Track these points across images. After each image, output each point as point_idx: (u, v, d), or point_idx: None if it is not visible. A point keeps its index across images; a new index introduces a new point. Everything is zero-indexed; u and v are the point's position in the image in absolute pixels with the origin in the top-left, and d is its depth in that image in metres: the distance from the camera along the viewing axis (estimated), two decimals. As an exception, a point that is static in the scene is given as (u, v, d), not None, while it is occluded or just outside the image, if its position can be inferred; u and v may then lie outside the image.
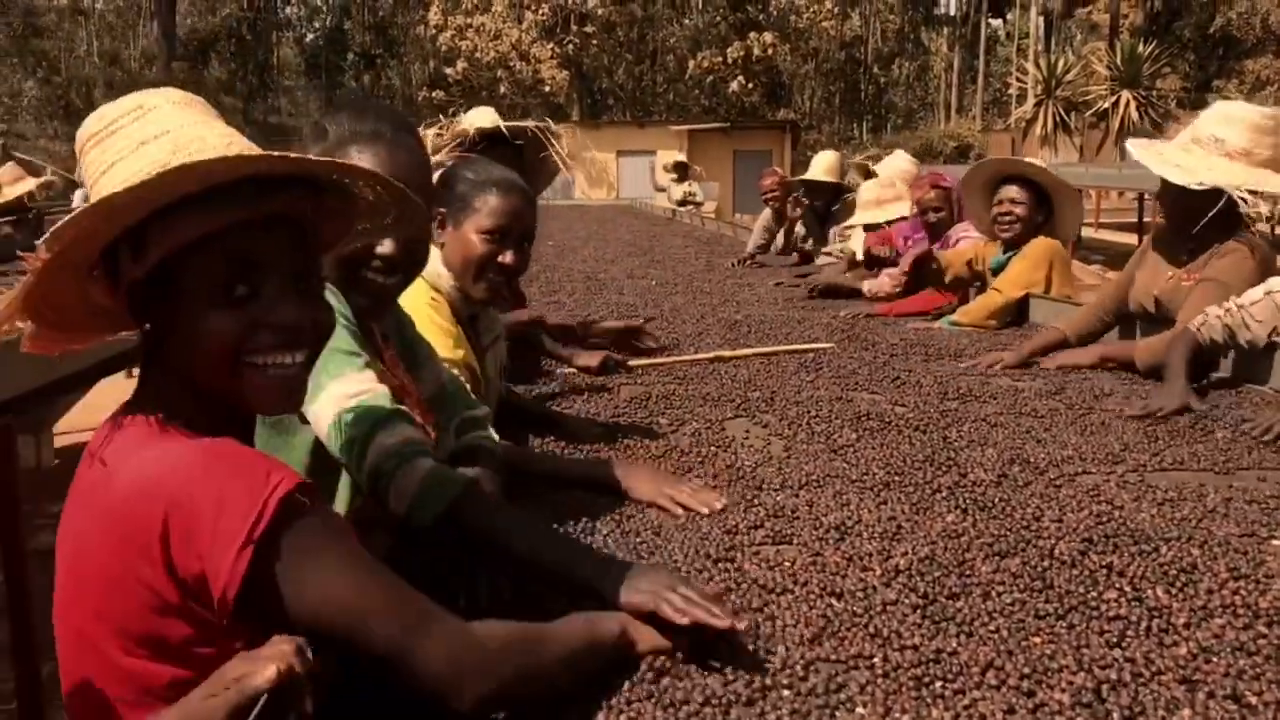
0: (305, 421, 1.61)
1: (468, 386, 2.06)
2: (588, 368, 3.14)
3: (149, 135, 1.14)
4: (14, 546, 2.91)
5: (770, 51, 42.59)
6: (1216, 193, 3.02)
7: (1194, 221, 3.13)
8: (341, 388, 1.57)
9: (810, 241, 6.85)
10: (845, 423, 2.51)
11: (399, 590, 1.13)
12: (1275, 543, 1.71)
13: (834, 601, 1.48)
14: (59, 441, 4.12)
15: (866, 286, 4.94)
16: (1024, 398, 2.80)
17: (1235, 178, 3.04)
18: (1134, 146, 3.36)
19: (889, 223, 5.50)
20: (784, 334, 3.90)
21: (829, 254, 6.35)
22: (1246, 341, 2.84)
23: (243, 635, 1.07)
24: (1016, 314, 4.05)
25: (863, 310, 4.48)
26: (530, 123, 3.77)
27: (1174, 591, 1.49)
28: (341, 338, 1.60)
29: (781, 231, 7.19)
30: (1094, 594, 1.48)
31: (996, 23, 55.65)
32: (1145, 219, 17.86)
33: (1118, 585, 1.51)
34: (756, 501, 1.92)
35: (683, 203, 13.32)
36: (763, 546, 1.70)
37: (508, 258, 2.16)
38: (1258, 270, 3.07)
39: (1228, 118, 3.17)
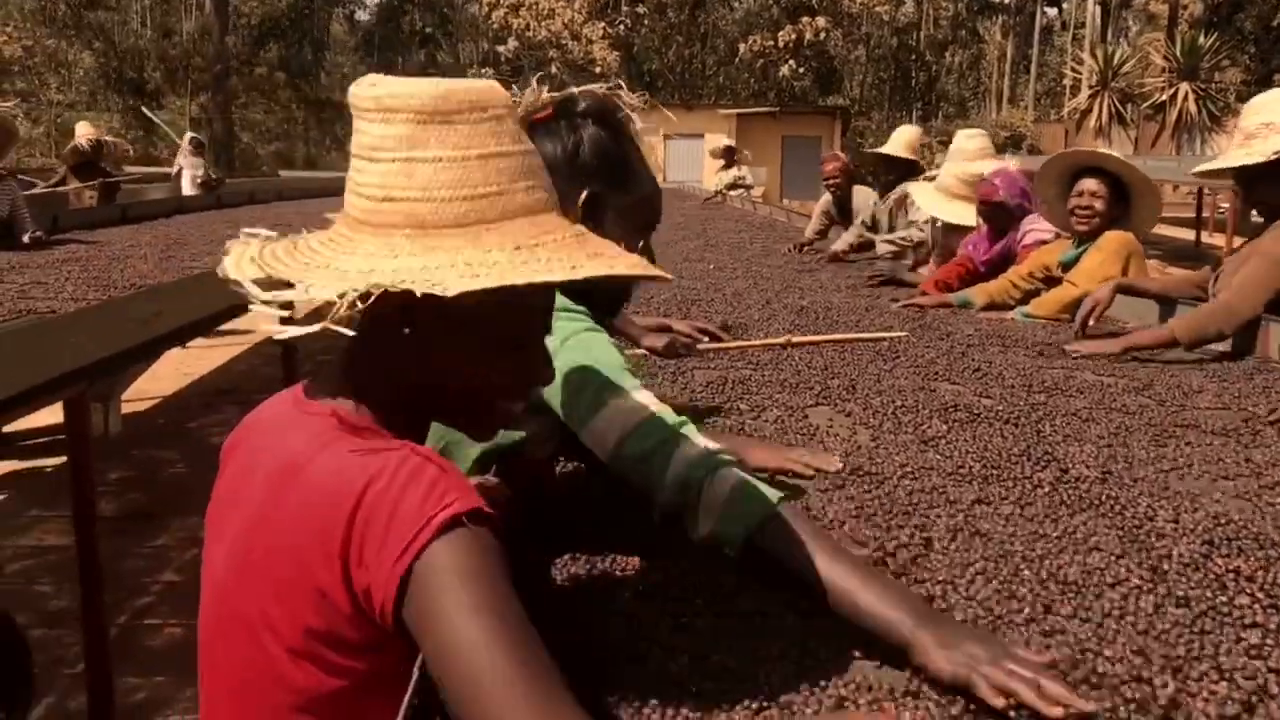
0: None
1: None
2: (654, 349, 3.10)
3: (473, 152, 1.05)
4: (86, 513, 2.93)
5: (822, 36, 42.20)
6: None
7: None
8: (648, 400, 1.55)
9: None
10: (933, 413, 2.44)
11: (532, 664, 0.91)
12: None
13: (950, 598, 1.42)
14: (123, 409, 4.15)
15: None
16: (1112, 393, 2.71)
17: None
18: (1199, 169, 3.63)
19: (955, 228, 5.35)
20: (853, 320, 3.83)
21: (891, 242, 6.25)
22: None
23: (403, 646, 1.01)
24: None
25: (901, 298, 4.47)
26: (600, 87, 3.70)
27: (1311, 600, 1.42)
28: (614, 353, 1.60)
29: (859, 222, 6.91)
30: (1223, 599, 1.41)
31: (1052, 12, 54.88)
32: (1204, 214, 17.56)
33: (1249, 591, 1.44)
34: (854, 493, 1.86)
35: (732, 187, 13.22)
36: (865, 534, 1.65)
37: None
38: None
39: (1266, 105, 3.18)
